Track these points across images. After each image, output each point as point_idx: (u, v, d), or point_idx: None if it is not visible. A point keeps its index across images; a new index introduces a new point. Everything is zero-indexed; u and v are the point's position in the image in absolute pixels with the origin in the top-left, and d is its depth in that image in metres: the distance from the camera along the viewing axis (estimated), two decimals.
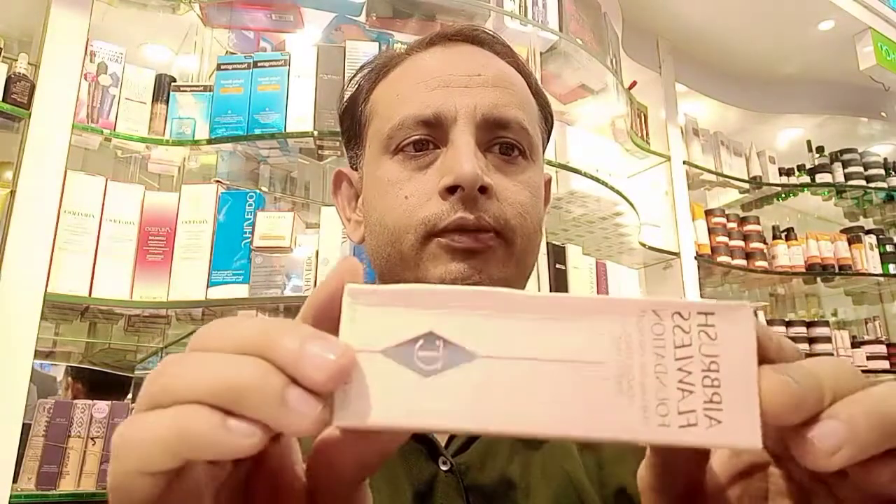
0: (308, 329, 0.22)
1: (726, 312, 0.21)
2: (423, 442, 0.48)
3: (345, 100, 0.60)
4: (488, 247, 0.48)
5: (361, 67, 0.59)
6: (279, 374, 0.21)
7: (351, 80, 0.60)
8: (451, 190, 0.47)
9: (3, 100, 1.35)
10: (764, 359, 0.22)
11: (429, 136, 0.50)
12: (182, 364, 0.22)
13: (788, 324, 2.55)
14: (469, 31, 0.56)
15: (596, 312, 0.21)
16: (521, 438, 0.48)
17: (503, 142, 0.51)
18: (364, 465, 0.24)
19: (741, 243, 2.51)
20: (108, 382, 1.63)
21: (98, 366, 1.68)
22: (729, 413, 0.20)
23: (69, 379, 1.58)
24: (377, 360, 0.21)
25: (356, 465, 0.23)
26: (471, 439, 0.48)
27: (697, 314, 0.21)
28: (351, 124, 0.58)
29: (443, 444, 0.48)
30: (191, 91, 1.52)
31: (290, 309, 1.48)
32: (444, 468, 0.47)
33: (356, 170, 0.58)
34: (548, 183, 0.59)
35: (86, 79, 1.44)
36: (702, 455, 0.26)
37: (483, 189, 0.47)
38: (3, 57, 1.41)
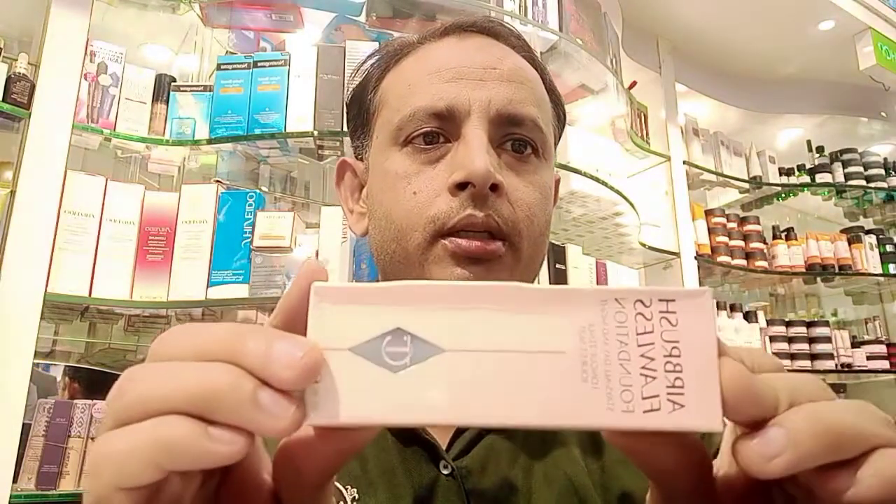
0: (273, 331, 0.22)
1: (686, 299, 0.22)
2: (423, 445, 0.47)
3: (353, 87, 0.58)
4: (497, 256, 0.46)
5: (371, 55, 0.57)
6: (250, 378, 0.21)
7: (360, 68, 0.57)
8: (460, 186, 0.46)
9: (3, 100, 1.35)
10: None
11: (440, 129, 0.48)
12: (149, 376, 0.22)
13: (788, 324, 2.55)
14: (485, 23, 0.54)
15: (558, 303, 0.22)
16: (498, 430, 0.47)
17: (516, 139, 0.49)
18: (329, 465, 0.23)
19: (741, 243, 2.51)
20: (106, 382, 1.63)
21: (96, 366, 1.68)
22: (690, 397, 0.21)
23: (66, 379, 1.58)
24: (346, 357, 0.21)
25: (321, 465, 0.23)
26: (472, 443, 0.47)
27: (658, 301, 0.22)
28: (358, 113, 0.56)
29: (444, 447, 0.47)
30: (191, 91, 1.52)
31: None
32: (444, 472, 0.46)
33: (361, 160, 0.57)
34: (557, 182, 0.58)
35: (86, 79, 1.44)
36: (705, 482, 0.25)
37: (494, 187, 0.46)
38: (3, 57, 1.41)
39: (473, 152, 0.46)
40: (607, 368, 0.21)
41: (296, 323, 0.23)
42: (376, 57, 0.56)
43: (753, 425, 0.22)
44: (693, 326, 0.21)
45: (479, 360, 0.21)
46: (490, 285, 0.22)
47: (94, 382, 1.60)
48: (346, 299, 0.22)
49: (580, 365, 0.21)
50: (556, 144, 0.57)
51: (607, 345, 0.21)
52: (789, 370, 0.25)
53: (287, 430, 0.21)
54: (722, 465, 0.26)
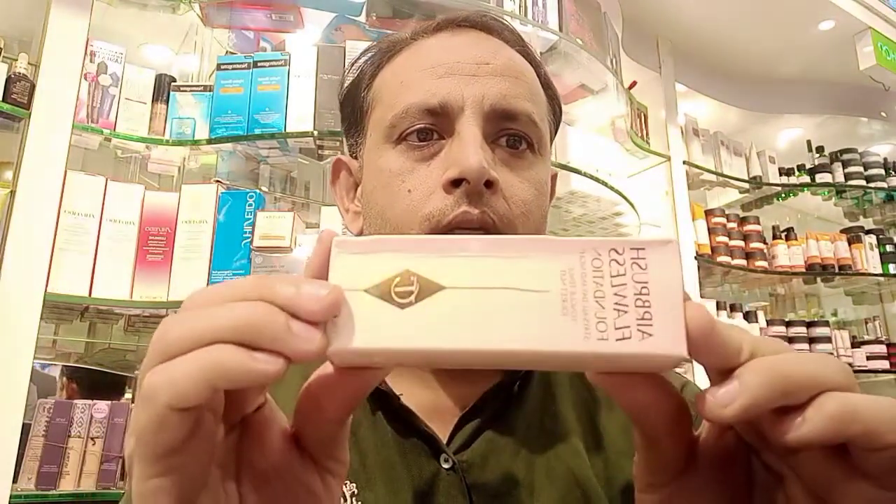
0: (298, 276, 0.25)
1: (654, 246, 0.25)
2: (423, 439, 0.46)
3: (346, 85, 0.57)
4: None
5: (364, 51, 0.56)
6: (282, 312, 0.24)
7: (353, 65, 0.57)
8: (455, 183, 0.45)
9: (4, 100, 1.35)
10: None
11: (433, 126, 0.48)
12: (191, 317, 0.24)
13: (788, 324, 2.55)
14: (478, 17, 0.53)
15: (543, 251, 0.25)
16: (499, 424, 0.48)
17: (511, 134, 0.49)
18: (347, 400, 0.27)
19: (741, 243, 2.51)
20: (104, 382, 1.63)
21: (96, 366, 1.68)
22: (658, 327, 0.24)
23: (64, 379, 1.58)
24: (361, 297, 0.25)
25: (340, 400, 0.27)
26: (472, 436, 0.47)
27: (630, 249, 0.25)
28: (352, 111, 0.56)
29: (444, 441, 0.47)
30: (191, 91, 1.52)
31: None
32: (445, 466, 0.46)
33: (356, 158, 0.56)
34: (553, 178, 0.57)
35: (86, 79, 1.44)
36: (683, 430, 0.27)
37: (488, 183, 0.45)
38: (4, 57, 1.41)
39: (467, 148, 0.45)
40: (584, 304, 0.24)
41: (320, 277, 0.26)
42: (369, 54, 0.56)
43: (718, 377, 0.24)
44: (661, 270, 0.24)
45: (474, 296, 0.24)
46: (484, 237, 0.26)
47: (93, 382, 1.60)
48: (361, 249, 0.26)
49: (561, 301, 0.24)
50: (552, 140, 0.56)
51: (585, 285, 0.24)
52: None
53: (316, 352, 0.24)
54: (701, 432, 0.29)
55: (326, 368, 0.27)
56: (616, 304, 0.24)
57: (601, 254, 0.25)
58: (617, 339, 0.24)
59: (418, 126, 0.48)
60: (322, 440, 0.29)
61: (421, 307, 0.24)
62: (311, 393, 0.27)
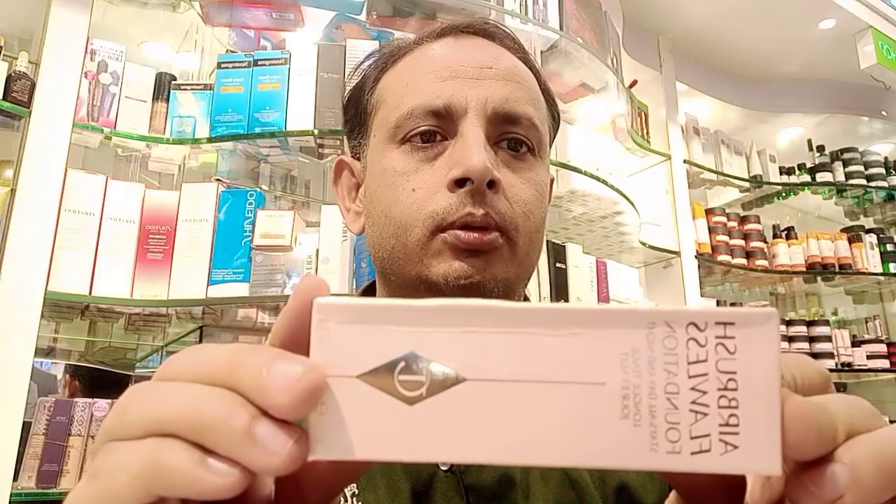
0: (272, 350, 0.20)
1: (748, 322, 0.19)
2: None
3: (350, 88, 0.59)
4: (494, 247, 0.47)
5: (369, 56, 0.58)
6: (246, 406, 0.19)
7: (357, 69, 0.58)
8: (459, 183, 0.46)
9: (4, 98, 1.35)
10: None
11: (437, 127, 0.49)
12: (149, 393, 0.21)
13: (789, 323, 2.55)
14: (480, 25, 0.55)
15: (597, 326, 0.19)
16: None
17: (512, 137, 0.50)
18: (331, 489, 0.22)
19: (741, 242, 2.51)
20: (106, 380, 1.63)
21: (96, 364, 1.68)
22: (746, 437, 0.19)
23: (67, 377, 1.58)
24: (354, 386, 0.19)
25: (323, 489, 0.22)
26: None
27: (715, 325, 0.19)
28: (355, 113, 0.57)
29: None
30: (191, 89, 1.52)
31: None
32: (443, 468, 0.46)
33: (358, 159, 0.57)
34: (551, 182, 0.58)
35: (86, 77, 1.44)
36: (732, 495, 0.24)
37: (491, 184, 0.47)
38: (4, 55, 1.41)
39: (471, 149, 0.46)
40: (652, 403, 0.19)
41: (296, 343, 0.21)
42: (374, 58, 0.57)
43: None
44: (755, 355, 0.19)
45: (504, 392, 0.19)
46: (518, 306, 0.19)
47: (94, 381, 1.60)
48: (352, 318, 0.19)
49: (620, 399, 0.19)
50: (550, 144, 0.58)
51: (653, 375, 0.19)
52: None
53: (284, 467, 0.19)
54: (753, 492, 0.24)
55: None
56: (693, 402, 0.19)
57: (676, 329, 0.19)
58: (692, 453, 0.18)
59: (422, 127, 0.49)
60: None
61: (435, 403, 0.19)
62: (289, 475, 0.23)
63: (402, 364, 0.19)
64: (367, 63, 0.58)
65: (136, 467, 0.19)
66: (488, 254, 0.47)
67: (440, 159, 0.49)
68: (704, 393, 0.19)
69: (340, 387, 0.19)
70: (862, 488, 0.19)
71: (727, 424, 0.19)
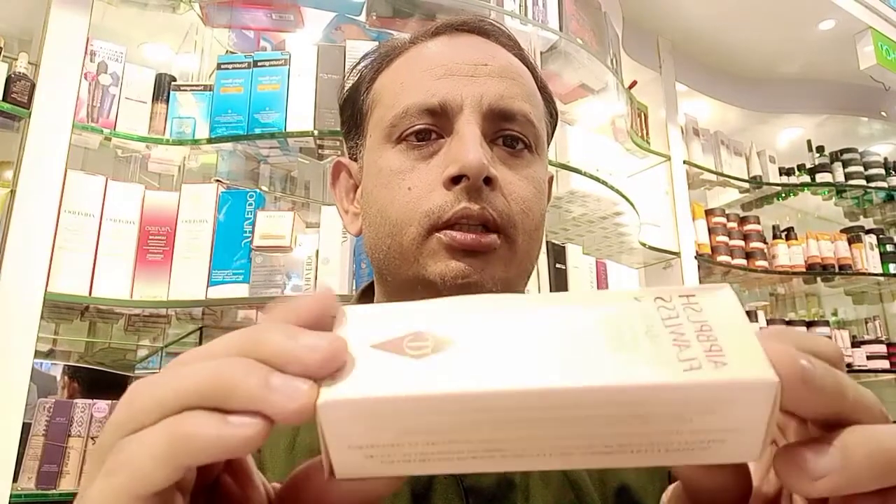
0: (295, 328, 0.21)
1: (705, 291, 0.22)
2: None
3: (346, 89, 0.58)
4: (492, 249, 0.47)
5: (364, 56, 0.58)
6: (262, 366, 0.20)
7: (353, 70, 0.58)
8: (455, 180, 0.46)
9: (4, 99, 1.35)
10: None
11: (433, 126, 0.49)
12: (160, 380, 0.21)
13: (788, 323, 2.54)
14: (475, 22, 0.55)
15: (580, 302, 0.22)
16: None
17: (508, 134, 0.50)
18: None
19: (741, 243, 2.51)
20: (105, 381, 1.63)
21: (96, 365, 1.68)
22: (733, 357, 0.19)
23: (66, 378, 1.58)
24: (367, 352, 0.21)
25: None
26: None
27: (679, 297, 0.22)
28: (352, 114, 0.57)
29: None
30: (191, 90, 1.52)
31: None
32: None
33: (356, 160, 0.57)
34: (550, 180, 0.58)
35: (86, 78, 1.44)
36: (733, 490, 0.23)
37: (488, 180, 0.46)
38: (4, 56, 1.41)
39: (467, 146, 0.46)
40: (636, 340, 0.20)
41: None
42: (369, 58, 0.57)
43: (803, 430, 0.21)
44: (719, 309, 0.21)
45: (499, 343, 0.21)
46: (519, 296, 0.22)
47: (94, 382, 1.60)
48: (371, 313, 0.22)
49: (605, 340, 0.20)
50: (549, 141, 0.57)
51: (633, 324, 0.21)
52: None
53: (301, 409, 0.19)
54: (755, 478, 0.24)
55: (318, 472, 0.22)
56: (674, 340, 0.20)
57: (644, 301, 0.21)
58: (685, 370, 0.19)
59: (418, 126, 0.49)
60: None
61: (439, 357, 0.20)
62: (297, 487, 0.23)
63: (409, 336, 0.21)
64: (362, 63, 0.57)
65: (160, 447, 0.20)
66: (487, 254, 0.47)
67: (436, 157, 0.48)
68: (683, 334, 0.20)
69: (355, 354, 0.21)
70: (848, 472, 0.19)
71: (710, 351, 0.20)
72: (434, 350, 0.21)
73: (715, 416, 0.19)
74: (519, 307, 0.22)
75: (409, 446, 0.20)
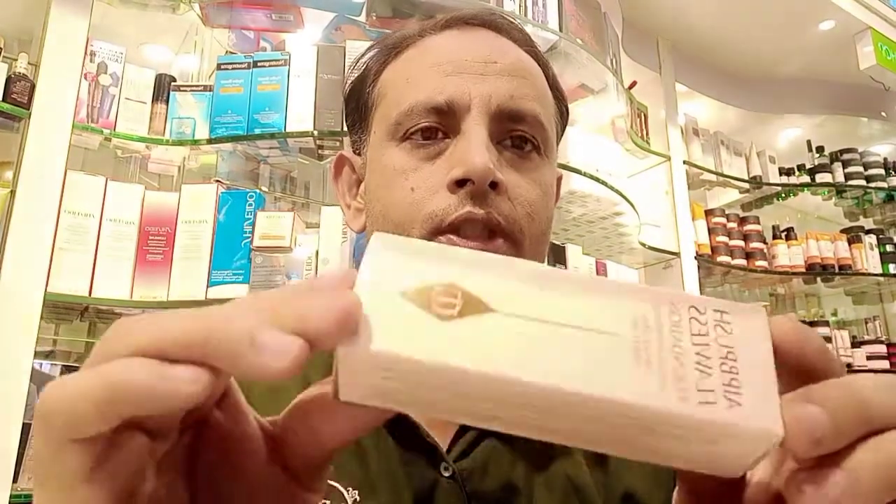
0: (305, 284, 0.20)
1: (740, 311, 0.21)
2: (424, 447, 0.46)
3: (351, 81, 0.56)
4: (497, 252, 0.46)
5: (370, 47, 0.55)
6: (255, 316, 0.19)
7: (358, 60, 0.56)
8: (459, 183, 0.44)
9: (4, 99, 1.35)
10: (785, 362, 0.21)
11: (439, 124, 0.47)
12: (143, 320, 0.20)
13: None
14: (486, 16, 0.52)
15: (615, 293, 0.21)
16: (500, 433, 0.47)
17: (517, 135, 0.48)
18: (346, 431, 0.22)
19: (741, 243, 2.51)
20: None
21: None
22: (748, 398, 0.20)
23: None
24: (393, 299, 0.20)
25: (337, 430, 0.22)
26: (472, 445, 0.47)
27: (713, 311, 0.21)
28: (356, 106, 0.55)
29: (445, 449, 0.46)
30: (191, 91, 1.52)
31: None
32: (445, 474, 0.45)
33: (359, 155, 0.55)
34: (559, 180, 0.56)
35: (86, 78, 1.44)
36: (734, 493, 0.24)
37: (494, 185, 0.45)
38: (4, 56, 1.41)
39: (473, 148, 0.45)
40: (662, 356, 0.20)
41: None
42: (375, 49, 0.55)
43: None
44: (749, 337, 0.21)
45: (528, 326, 0.20)
46: (544, 267, 0.22)
47: None
48: (406, 249, 0.21)
49: (633, 348, 0.20)
50: (558, 141, 0.56)
51: (661, 336, 0.20)
52: None
53: (290, 367, 0.18)
54: (753, 474, 0.24)
55: (323, 390, 0.22)
56: (698, 363, 0.20)
57: (679, 307, 0.21)
58: (699, 402, 0.19)
59: (423, 124, 0.47)
60: (302, 464, 0.23)
61: (465, 323, 0.20)
62: (303, 409, 0.22)
63: (439, 287, 0.21)
64: (368, 55, 0.55)
65: (93, 391, 0.18)
66: None
67: (441, 158, 0.47)
68: (708, 358, 0.20)
69: (380, 299, 0.20)
70: (860, 495, 0.19)
71: (730, 385, 0.20)
72: (461, 313, 0.20)
73: (716, 445, 0.20)
74: (557, 288, 0.21)
75: (419, 395, 0.21)
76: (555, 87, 0.55)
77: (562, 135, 0.57)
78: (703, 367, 0.20)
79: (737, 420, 0.19)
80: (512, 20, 0.54)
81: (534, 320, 0.20)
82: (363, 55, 0.56)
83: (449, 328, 0.20)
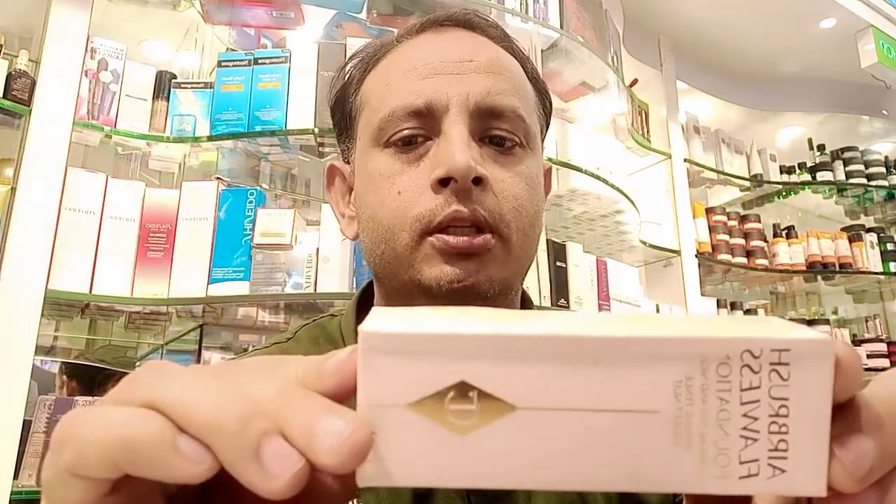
0: (321, 401, 0.19)
1: (803, 348, 0.19)
2: None
3: (335, 91, 0.57)
4: (486, 249, 0.46)
5: (351, 57, 0.57)
6: (262, 427, 0.18)
7: (341, 71, 0.57)
8: (443, 182, 0.45)
9: (4, 96, 1.35)
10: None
11: (420, 127, 0.48)
12: (168, 370, 0.20)
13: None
14: (461, 16, 0.53)
15: (652, 356, 0.19)
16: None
17: (497, 132, 0.49)
18: (335, 500, 0.21)
19: (742, 241, 2.51)
20: (106, 379, 1.63)
21: (96, 363, 1.68)
22: (794, 462, 0.19)
23: (63, 377, 1.58)
24: (403, 415, 0.19)
25: (346, 490, 0.21)
26: None
27: (771, 351, 0.19)
28: (342, 116, 0.56)
29: None
30: (191, 88, 1.52)
31: (290, 306, 1.48)
32: None
33: (348, 163, 0.56)
34: (548, 172, 0.57)
35: (86, 75, 1.44)
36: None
37: (477, 180, 0.45)
38: (4, 53, 1.41)
39: (454, 147, 0.45)
40: (703, 430, 0.19)
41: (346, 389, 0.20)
42: (356, 59, 0.56)
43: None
44: (808, 381, 0.19)
45: (555, 420, 0.19)
46: (568, 334, 0.19)
47: (94, 379, 1.60)
48: (400, 348, 0.19)
49: (673, 426, 0.19)
50: (543, 133, 0.56)
51: (705, 403, 0.19)
52: None
53: (286, 487, 0.18)
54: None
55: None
56: (744, 428, 0.19)
57: (731, 357, 0.19)
58: (740, 477, 0.19)
59: (405, 132, 0.48)
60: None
61: (487, 433, 0.19)
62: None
63: (451, 393, 0.19)
64: (350, 64, 0.56)
65: (103, 436, 0.18)
66: (481, 256, 0.46)
67: (424, 160, 0.48)
68: (756, 419, 0.19)
69: (389, 416, 0.19)
70: None
71: (776, 449, 0.19)
72: (481, 421, 0.19)
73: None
74: (585, 359, 0.19)
75: None
76: (535, 79, 0.55)
77: (547, 127, 0.58)
78: (749, 433, 0.19)
79: (777, 488, 0.19)
80: (487, 18, 0.55)
81: (559, 410, 0.19)
82: (345, 65, 0.57)
83: (469, 442, 0.19)
